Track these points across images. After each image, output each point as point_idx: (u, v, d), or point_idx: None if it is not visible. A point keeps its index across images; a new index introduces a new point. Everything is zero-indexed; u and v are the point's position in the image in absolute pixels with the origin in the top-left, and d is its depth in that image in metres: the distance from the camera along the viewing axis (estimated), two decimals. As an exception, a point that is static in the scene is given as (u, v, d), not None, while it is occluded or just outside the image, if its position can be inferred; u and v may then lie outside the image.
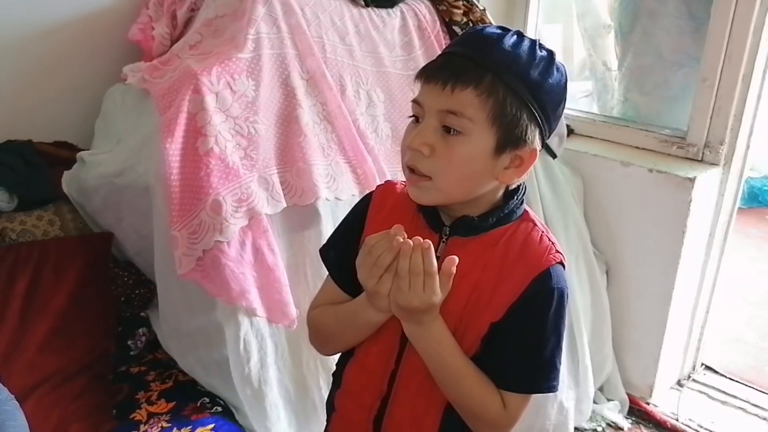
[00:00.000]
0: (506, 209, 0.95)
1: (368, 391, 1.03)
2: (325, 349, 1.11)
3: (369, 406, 1.02)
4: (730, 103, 1.95)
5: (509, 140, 0.88)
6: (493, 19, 2.11)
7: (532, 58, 0.87)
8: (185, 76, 1.51)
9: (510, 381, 0.94)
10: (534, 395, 0.98)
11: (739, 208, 2.19)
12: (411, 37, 1.94)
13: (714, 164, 2.02)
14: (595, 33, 2.56)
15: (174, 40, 1.79)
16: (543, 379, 0.95)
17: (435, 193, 0.91)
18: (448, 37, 2.01)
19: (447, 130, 0.87)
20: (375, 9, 1.88)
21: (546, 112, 0.89)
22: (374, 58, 1.84)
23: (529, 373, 0.95)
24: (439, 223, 0.96)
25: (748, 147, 2.04)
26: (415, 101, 0.91)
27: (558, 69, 0.89)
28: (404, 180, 0.98)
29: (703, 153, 2.04)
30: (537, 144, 0.91)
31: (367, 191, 1.65)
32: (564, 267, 0.95)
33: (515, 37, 0.88)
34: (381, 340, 0.99)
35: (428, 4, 2.03)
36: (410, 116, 0.93)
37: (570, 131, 2.28)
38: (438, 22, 2.01)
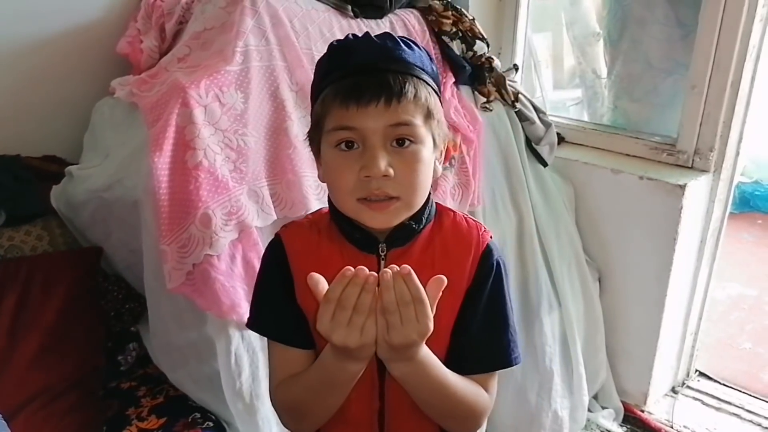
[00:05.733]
0: (430, 205, 0.96)
1: None
2: (303, 426, 0.99)
3: None
4: (719, 109, 1.96)
5: (439, 134, 0.92)
6: (483, 29, 2.11)
7: (422, 52, 0.91)
8: (173, 89, 1.51)
9: (487, 363, 0.96)
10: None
11: (731, 213, 2.20)
12: (400, 47, 1.94)
13: (704, 171, 2.03)
14: (584, 41, 2.58)
15: (162, 53, 1.79)
16: (512, 351, 0.96)
17: (404, 211, 0.90)
18: (437, 47, 2.02)
19: (400, 143, 0.86)
20: (364, 20, 1.89)
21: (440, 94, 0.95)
22: (364, 68, 1.84)
23: (502, 349, 0.95)
24: (370, 242, 0.93)
25: (737, 153, 2.05)
26: (344, 128, 0.86)
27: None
28: (299, 217, 1.04)
29: (693, 160, 2.05)
30: (447, 128, 0.95)
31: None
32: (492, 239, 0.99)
33: (389, 37, 0.90)
34: (357, 384, 0.89)
35: (417, 14, 2.03)
36: (337, 144, 0.87)
37: (560, 139, 2.28)
38: (427, 32, 2.02)
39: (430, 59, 0.93)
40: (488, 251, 0.95)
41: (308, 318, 0.95)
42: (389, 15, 1.96)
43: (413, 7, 2.05)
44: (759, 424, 2.17)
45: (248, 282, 1.47)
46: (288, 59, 1.66)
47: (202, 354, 1.49)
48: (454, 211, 0.99)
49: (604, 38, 2.44)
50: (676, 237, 1.99)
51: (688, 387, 2.36)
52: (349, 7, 1.84)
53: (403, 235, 0.93)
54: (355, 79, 0.86)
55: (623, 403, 2.25)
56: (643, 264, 2.10)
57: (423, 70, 0.89)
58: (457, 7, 2.11)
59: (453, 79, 2.01)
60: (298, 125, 1.62)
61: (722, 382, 2.37)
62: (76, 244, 1.73)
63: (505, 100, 2.06)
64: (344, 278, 0.78)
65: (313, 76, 0.95)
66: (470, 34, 2.07)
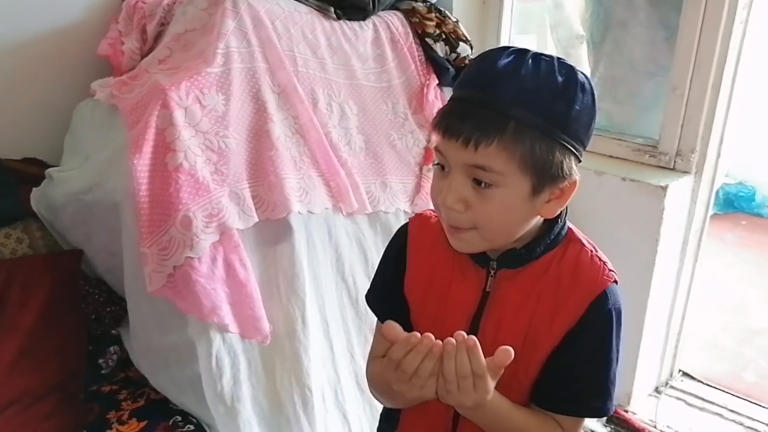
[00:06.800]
0: (552, 235, 0.90)
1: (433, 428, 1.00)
2: (384, 403, 1.06)
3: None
4: (700, 111, 1.97)
5: (545, 181, 0.82)
6: (467, 31, 2.12)
7: (553, 87, 0.78)
8: (153, 91, 1.50)
9: (572, 407, 0.93)
10: None
11: (715, 214, 2.21)
12: (384, 49, 1.94)
13: (686, 172, 2.04)
14: (568, 43, 2.59)
15: (144, 55, 1.78)
16: (601, 402, 0.92)
17: (480, 242, 0.87)
18: (420, 49, 2.02)
19: (478, 182, 0.82)
20: (347, 22, 1.88)
21: (579, 139, 0.82)
22: (346, 70, 1.84)
23: (589, 398, 0.92)
24: (484, 257, 0.91)
25: (719, 155, 2.06)
26: (437, 150, 0.85)
27: (583, 89, 0.81)
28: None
29: (674, 161, 2.06)
30: (575, 173, 0.84)
31: (341, 204, 1.67)
32: (617, 284, 0.91)
33: (531, 63, 0.79)
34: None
35: (401, 16, 2.03)
36: (435, 163, 0.88)
37: (544, 141, 2.28)
38: (411, 35, 2.02)
39: (571, 101, 0.79)
40: (603, 298, 0.88)
41: (411, 309, 0.99)
42: (372, 17, 1.95)
43: (397, 9, 2.05)
44: (741, 424, 2.18)
45: (229, 284, 1.47)
46: (270, 61, 1.66)
47: (183, 357, 1.48)
48: (583, 244, 0.92)
49: (587, 41, 2.45)
50: (659, 238, 2.00)
51: (672, 387, 2.37)
52: (332, 9, 1.84)
53: (512, 258, 0.90)
54: (454, 108, 0.83)
55: (607, 403, 2.25)
56: (625, 265, 2.06)
57: (540, 114, 0.78)
58: (441, 9, 2.11)
59: (436, 81, 2.02)
60: (280, 127, 1.62)
61: (706, 382, 2.38)
62: (56, 246, 1.72)
63: (488, 102, 2.06)
64: (408, 344, 0.78)
65: None
66: (454, 36, 2.08)
